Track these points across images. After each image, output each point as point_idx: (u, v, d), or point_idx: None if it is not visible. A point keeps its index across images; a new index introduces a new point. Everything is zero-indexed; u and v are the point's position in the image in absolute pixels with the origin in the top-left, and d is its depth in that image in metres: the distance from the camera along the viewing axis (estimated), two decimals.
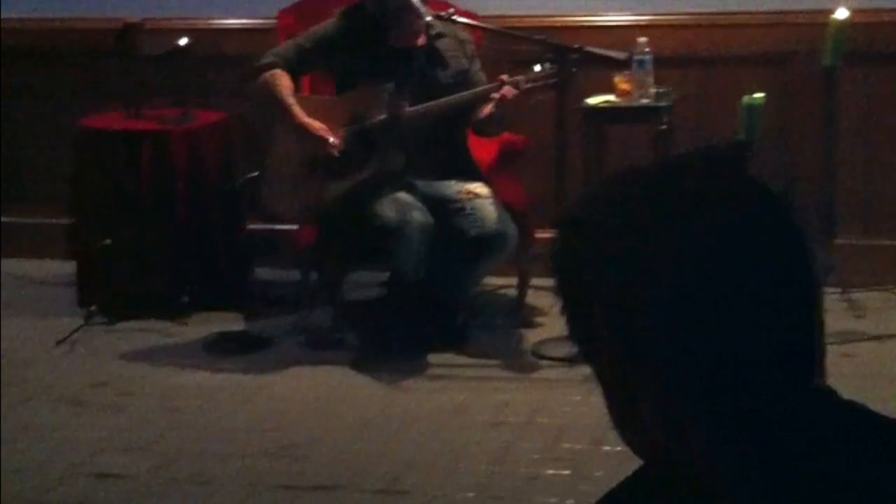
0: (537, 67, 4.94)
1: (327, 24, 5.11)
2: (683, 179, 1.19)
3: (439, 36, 5.11)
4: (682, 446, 1.21)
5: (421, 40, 5.10)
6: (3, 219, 6.24)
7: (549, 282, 1.26)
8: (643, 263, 1.16)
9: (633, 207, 1.18)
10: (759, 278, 1.16)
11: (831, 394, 1.20)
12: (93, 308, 5.39)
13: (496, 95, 4.90)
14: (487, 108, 4.98)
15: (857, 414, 1.18)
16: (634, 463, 1.27)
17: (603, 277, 1.19)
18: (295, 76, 5.10)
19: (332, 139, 4.98)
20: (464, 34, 5.17)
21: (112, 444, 4.34)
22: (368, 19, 5.06)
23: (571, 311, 1.22)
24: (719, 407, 1.16)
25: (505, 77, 4.91)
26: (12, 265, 6.04)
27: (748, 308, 1.15)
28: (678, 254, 1.15)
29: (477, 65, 5.16)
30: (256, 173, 5.13)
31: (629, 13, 5.71)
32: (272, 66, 5.06)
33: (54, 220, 5.99)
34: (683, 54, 5.67)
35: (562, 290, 1.23)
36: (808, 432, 1.15)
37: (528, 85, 4.89)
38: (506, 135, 5.27)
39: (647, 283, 1.16)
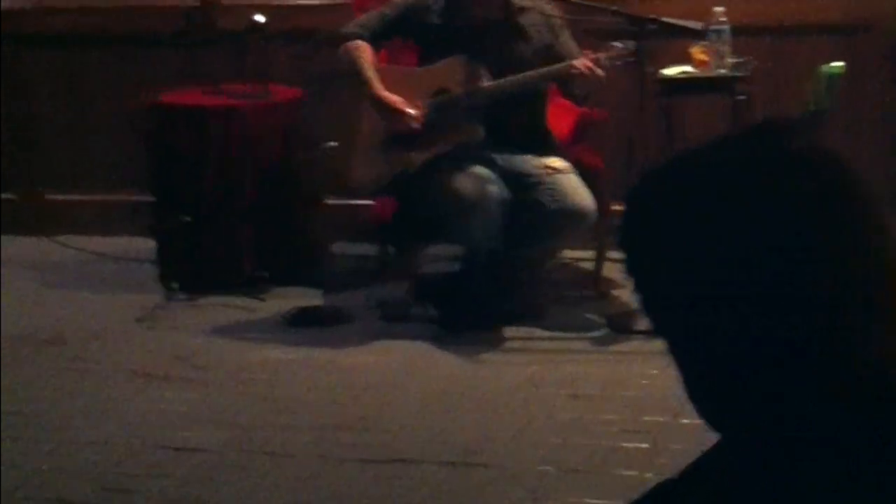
0: (618, 44, 4.92)
1: None
2: (747, 156, 1.18)
3: (523, 10, 5.08)
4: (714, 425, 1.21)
5: (505, 14, 5.07)
6: (79, 196, 6.31)
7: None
8: (693, 252, 1.15)
9: (691, 191, 1.18)
10: (824, 251, 1.14)
11: None
12: (174, 285, 5.43)
13: (576, 72, 4.88)
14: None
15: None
16: (713, 436, 1.26)
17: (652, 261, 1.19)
18: (378, 47, 5.10)
19: (410, 112, 4.97)
20: (549, 8, 5.13)
21: (189, 418, 4.37)
22: None
23: (642, 288, 1.22)
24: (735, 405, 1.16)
25: (589, 52, 4.90)
26: (95, 242, 6.10)
27: (802, 289, 1.14)
28: (735, 242, 1.14)
29: (565, 35, 5.10)
30: (333, 144, 5.14)
31: None
32: (355, 36, 5.06)
33: (136, 198, 6.05)
34: (760, 23, 5.60)
35: (631, 268, 1.22)
36: (827, 435, 1.14)
37: (608, 62, 4.88)
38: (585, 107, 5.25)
39: (695, 272, 1.15)
